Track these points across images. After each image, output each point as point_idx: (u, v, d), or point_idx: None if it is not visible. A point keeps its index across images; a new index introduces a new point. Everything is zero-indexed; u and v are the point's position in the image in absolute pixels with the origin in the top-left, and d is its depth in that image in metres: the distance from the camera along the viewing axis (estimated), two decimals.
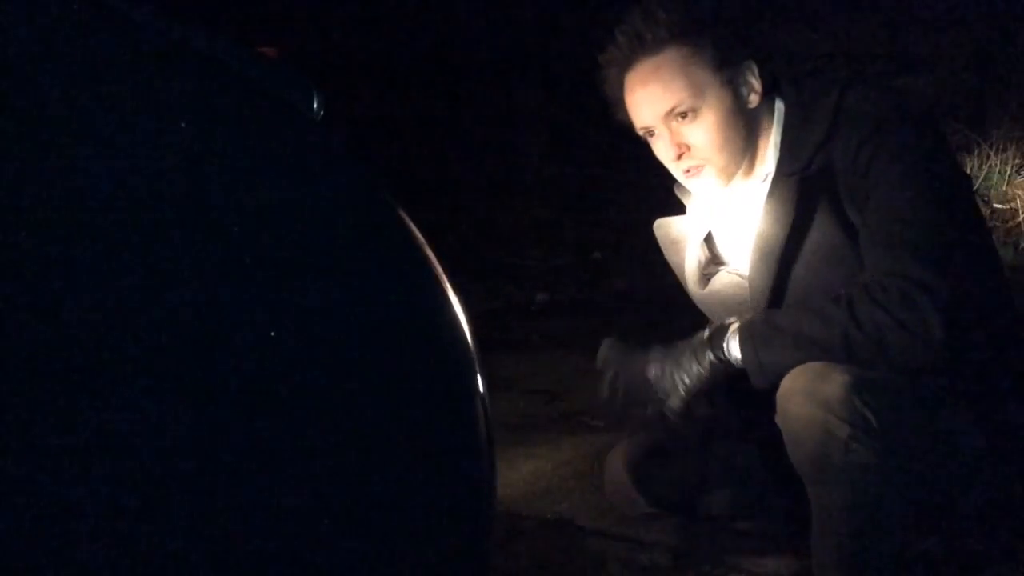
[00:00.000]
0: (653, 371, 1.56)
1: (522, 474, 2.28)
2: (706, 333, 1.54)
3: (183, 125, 0.73)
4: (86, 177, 0.67)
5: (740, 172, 1.61)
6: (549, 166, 6.28)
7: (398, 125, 6.26)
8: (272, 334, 0.71)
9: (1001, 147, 4.88)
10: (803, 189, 1.51)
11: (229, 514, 0.68)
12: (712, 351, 1.51)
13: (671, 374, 1.54)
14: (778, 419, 1.46)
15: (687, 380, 1.53)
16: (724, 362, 1.50)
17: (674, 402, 1.54)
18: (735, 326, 1.51)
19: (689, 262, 1.73)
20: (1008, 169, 4.79)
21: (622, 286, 4.77)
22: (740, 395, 1.61)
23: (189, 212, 0.70)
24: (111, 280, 0.66)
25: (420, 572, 0.81)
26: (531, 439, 2.55)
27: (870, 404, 1.36)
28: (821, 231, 1.51)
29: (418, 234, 0.87)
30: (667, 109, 1.56)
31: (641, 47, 1.56)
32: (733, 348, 1.49)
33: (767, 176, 1.60)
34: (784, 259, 1.53)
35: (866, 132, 1.49)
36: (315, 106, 1.01)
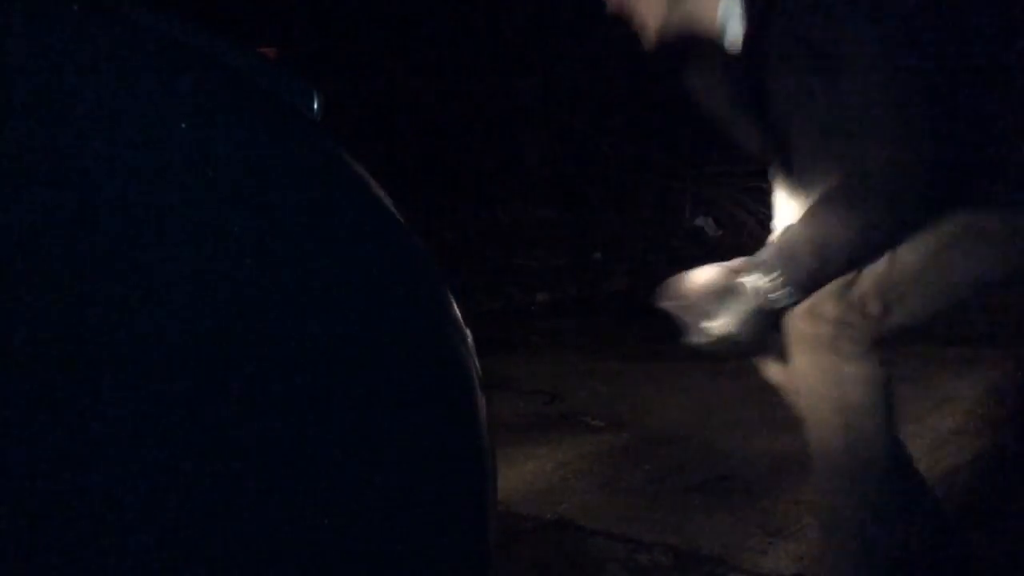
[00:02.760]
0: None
1: (522, 474, 2.28)
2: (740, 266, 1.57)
3: (182, 126, 0.73)
4: (85, 178, 0.67)
5: None
6: (549, 166, 6.28)
7: (397, 125, 6.26)
8: (270, 335, 0.71)
9: None
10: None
11: (229, 514, 0.68)
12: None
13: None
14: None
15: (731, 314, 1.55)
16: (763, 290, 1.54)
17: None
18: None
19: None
20: None
21: (622, 286, 4.78)
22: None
23: (188, 213, 0.70)
24: (109, 281, 0.66)
25: (421, 573, 0.81)
26: (531, 439, 2.56)
27: (851, 314, 1.38)
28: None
29: (418, 234, 0.87)
30: None
31: None
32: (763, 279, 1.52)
33: None
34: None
35: None
36: (315, 106, 1.01)
